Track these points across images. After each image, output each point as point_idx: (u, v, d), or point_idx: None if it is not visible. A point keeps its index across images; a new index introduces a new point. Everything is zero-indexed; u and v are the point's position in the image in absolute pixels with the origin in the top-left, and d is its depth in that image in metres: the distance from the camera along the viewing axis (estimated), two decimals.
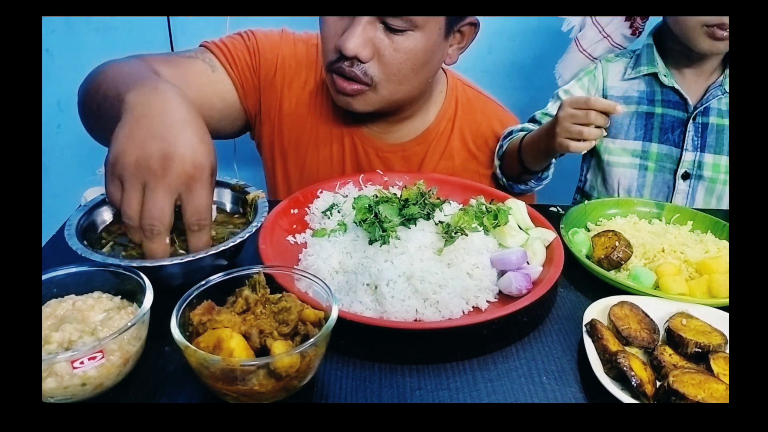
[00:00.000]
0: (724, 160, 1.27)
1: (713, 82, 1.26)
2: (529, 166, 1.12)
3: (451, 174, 1.19)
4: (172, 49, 1.89)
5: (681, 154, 1.27)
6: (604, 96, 1.31)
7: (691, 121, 1.25)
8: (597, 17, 1.35)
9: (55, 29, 1.86)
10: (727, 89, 1.23)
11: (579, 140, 0.97)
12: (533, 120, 1.29)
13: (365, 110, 1.08)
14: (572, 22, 1.40)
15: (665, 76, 1.25)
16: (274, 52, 1.19)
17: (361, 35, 0.98)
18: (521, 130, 1.20)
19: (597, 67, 1.34)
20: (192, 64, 1.12)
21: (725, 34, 1.13)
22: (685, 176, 1.28)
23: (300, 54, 1.21)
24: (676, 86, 1.25)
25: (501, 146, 1.19)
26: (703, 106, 1.25)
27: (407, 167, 1.21)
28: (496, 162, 1.21)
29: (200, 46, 1.19)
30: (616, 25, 1.34)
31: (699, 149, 1.27)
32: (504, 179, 1.22)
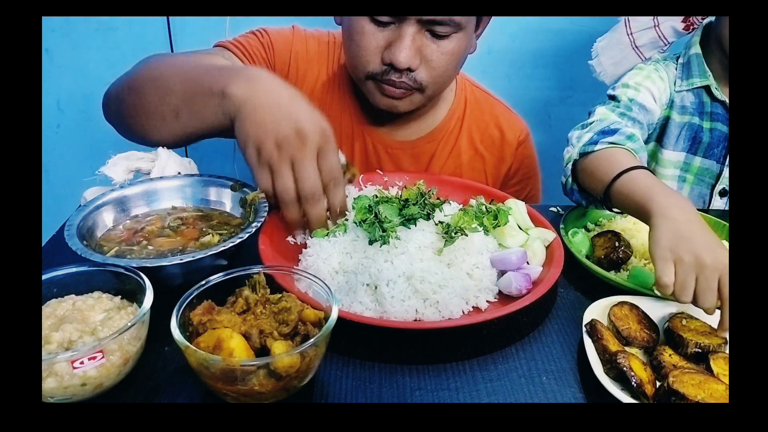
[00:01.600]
0: None
1: None
2: (616, 207, 0.90)
3: (457, 172, 1.19)
4: (172, 50, 1.89)
5: (721, 170, 1.23)
6: (671, 102, 1.23)
7: None
8: None
9: (55, 29, 1.86)
10: None
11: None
12: (611, 97, 1.18)
13: (409, 110, 1.10)
14: None
15: (716, 89, 1.19)
16: (287, 47, 1.20)
17: (411, 46, 0.99)
18: (629, 137, 0.97)
19: (659, 69, 1.24)
20: (212, 59, 1.12)
21: None
22: (723, 193, 1.24)
23: (311, 50, 1.21)
24: (727, 100, 1.19)
25: (594, 143, 0.96)
26: None
27: (416, 165, 1.21)
28: (575, 155, 0.98)
29: (215, 46, 1.19)
30: (668, 16, 1.26)
31: None
32: (570, 180, 1.01)
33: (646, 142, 1.26)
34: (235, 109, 0.84)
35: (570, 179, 1.00)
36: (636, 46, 1.33)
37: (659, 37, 1.29)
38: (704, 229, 0.75)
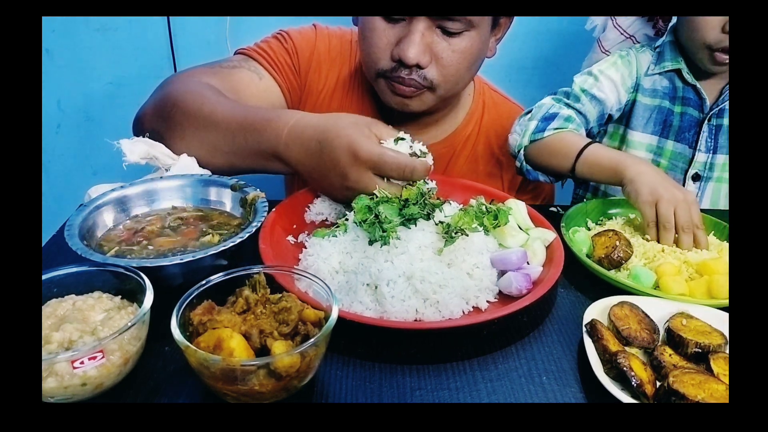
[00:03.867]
0: None
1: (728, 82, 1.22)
2: (580, 173, 1.05)
3: (474, 177, 1.19)
4: (172, 50, 1.90)
5: (693, 155, 1.25)
6: (637, 85, 1.27)
7: (706, 122, 1.23)
8: (617, 20, 1.33)
9: (55, 29, 1.86)
10: None
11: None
12: (566, 94, 1.23)
13: (420, 110, 1.09)
14: (595, 21, 1.37)
15: (688, 73, 1.22)
16: (310, 49, 1.19)
17: (421, 42, 0.98)
18: (567, 118, 1.13)
19: (629, 54, 1.28)
20: (239, 75, 1.12)
21: (727, 59, 1.12)
22: (696, 177, 1.26)
23: (334, 49, 1.21)
24: (698, 84, 1.22)
25: (541, 131, 1.11)
26: (719, 107, 1.21)
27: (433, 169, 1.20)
28: (525, 141, 1.12)
29: (236, 53, 1.19)
30: (638, 26, 1.31)
31: (712, 151, 1.24)
32: (525, 163, 1.14)
33: (617, 122, 1.32)
34: (291, 169, 0.93)
35: (524, 163, 1.14)
36: (600, 43, 1.37)
37: (633, 44, 1.34)
38: (669, 177, 0.98)
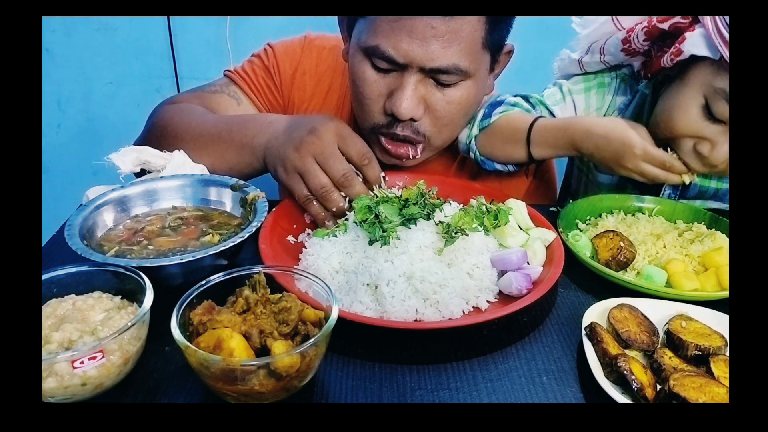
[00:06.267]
0: (712, 183, 1.13)
1: None
2: (538, 154, 1.01)
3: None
4: (172, 50, 1.90)
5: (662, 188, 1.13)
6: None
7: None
8: (605, 55, 1.13)
9: (55, 29, 1.86)
10: None
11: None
12: (525, 98, 1.14)
13: (416, 163, 1.07)
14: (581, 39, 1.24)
15: None
16: (293, 65, 1.19)
17: (413, 96, 0.95)
18: (514, 105, 1.09)
19: (610, 87, 1.17)
20: (218, 100, 1.14)
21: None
22: None
23: (324, 65, 1.19)
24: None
25: (488, 116, 1.06)
26: None
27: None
28: (475, 131, 1.07)
29: (224, 75, 1.21)
30: (622, 58, 1.12)
31: (676, 198, 1.12)
32: (478, 153, 1.08)
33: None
34: (261, 153, 0.95)
35: (477, 153, 1.09)
36: (581, 63, 1.21)
37: (600, 54, 1.16)
38: (613, 129, 0.92)
